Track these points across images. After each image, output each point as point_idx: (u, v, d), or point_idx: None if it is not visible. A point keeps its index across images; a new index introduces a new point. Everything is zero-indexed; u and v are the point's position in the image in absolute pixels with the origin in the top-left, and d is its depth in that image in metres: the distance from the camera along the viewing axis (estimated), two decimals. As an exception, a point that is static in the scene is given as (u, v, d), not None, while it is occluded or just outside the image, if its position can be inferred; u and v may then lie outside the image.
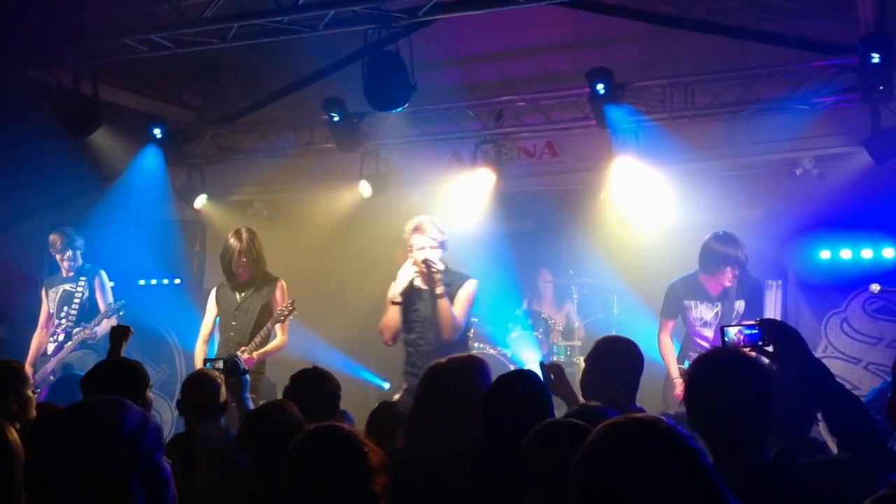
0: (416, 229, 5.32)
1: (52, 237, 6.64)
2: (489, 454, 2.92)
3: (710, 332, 5.69)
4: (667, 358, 5.82)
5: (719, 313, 5.73)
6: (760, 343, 2.72)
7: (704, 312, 5.77)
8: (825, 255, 6.80)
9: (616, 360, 3.70)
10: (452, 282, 5.31)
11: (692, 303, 5.79)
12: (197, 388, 3.97)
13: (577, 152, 7.62)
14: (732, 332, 2.81)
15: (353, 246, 8.15)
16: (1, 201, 7.27)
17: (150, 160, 7.53)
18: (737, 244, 5.65)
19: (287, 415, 3.24)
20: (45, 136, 6.73)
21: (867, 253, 6.69)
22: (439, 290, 5.19)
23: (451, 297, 5.26)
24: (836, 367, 6.84)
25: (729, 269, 5.63)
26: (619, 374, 3.67)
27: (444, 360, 3.36)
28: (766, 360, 2.80)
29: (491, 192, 7.50)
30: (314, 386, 3.77)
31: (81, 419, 1.83)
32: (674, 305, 5.85)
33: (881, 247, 6.64)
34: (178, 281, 8.30)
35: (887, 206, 6.50)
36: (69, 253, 6.59)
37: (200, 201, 8.06)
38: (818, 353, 6.86)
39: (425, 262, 5.22)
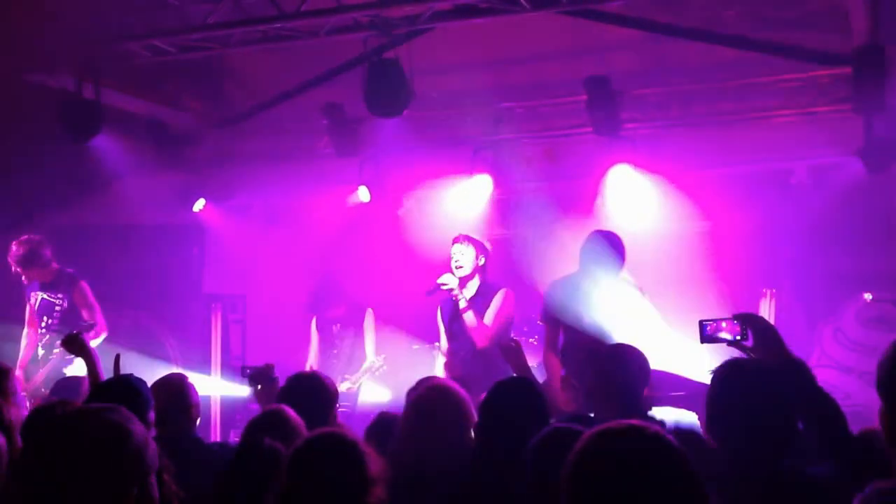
0: (453, 242, 5.62)
1: (12, 250, 6.16)
2: (484, 459, 2.94)
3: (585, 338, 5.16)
4: (554, 372, 5.21)
5: (598, 320, 5.22)
6: (739, 338, 2.70)
7: (581, 317, 5.25)
8: (819, 264, 6.84)
9: (622, 365, 3.74)
10: (484, 294, 5.53)
11: (574, 304, 5.34)
12: (157, 389, 3.87)
13: (574, 159, 7.67)
14: (710, 327, 2.77)
15: (352, 251, 8.17)
16: (1, 204, 7.26)
17: (150, 163, 7.54)
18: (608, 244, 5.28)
19: (287, 422, 3.24)
20: (46, 140, 6.74)
21: (861, 262, 6.74)
22: (461, 305, 5.45)
23: (483, 309, 5.49)
24: (829, 375, 6.89)
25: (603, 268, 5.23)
26: (623, 380, 3.71)
27: (422, 390, 3.40)
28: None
29: (488, 198, 7.54)
30: (310, 391, 3.76)
31: (91, 424, 1.82)
32: (556, 308, 5.34)
33: (874, 256, 6.68)
34: (183, 284, 8.30)
35: (880, 215, 6.55)
36: (33, 267, 6.15)
37: (199, 205, 8.08)
38: (811, 363, 6.90)
39: (439, 284, 5.49)
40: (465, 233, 5.70)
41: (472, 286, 5.58)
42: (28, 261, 6.16)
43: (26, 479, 1.81)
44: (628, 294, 5.22)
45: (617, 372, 3.65)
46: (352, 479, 2.38)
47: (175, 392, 3.90)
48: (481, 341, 5.43)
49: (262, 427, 3.16)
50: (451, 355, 5.64)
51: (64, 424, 1.87)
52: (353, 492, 2.38)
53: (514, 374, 4.19)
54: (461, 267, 5.52)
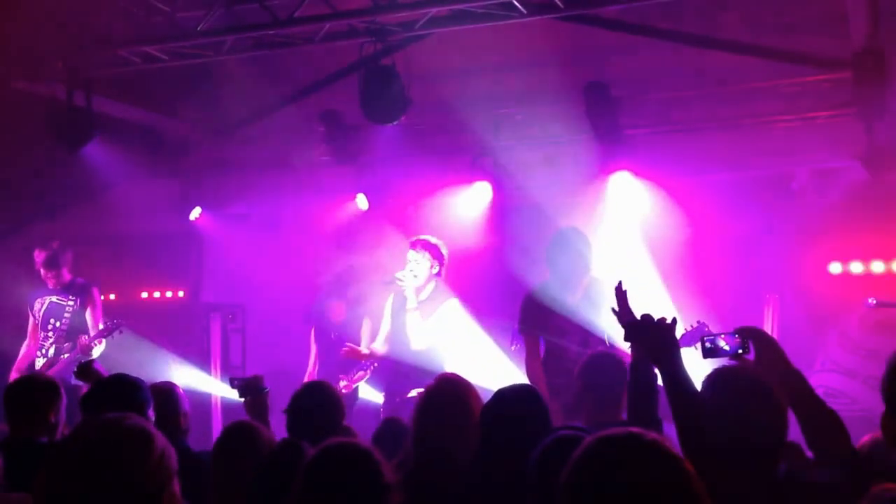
0: (409, 247, 5.75)
1: (37, 254, 6.48)
2: (487, 468, 2.91)
3: (570, 341, 5.10)
4: (538, 381, 5.00)
5: (584, 319, 5.09)
6: (740, 351, 2.69)
7: (563, 321, 5.15)
8: (822, 268, 6.81)
9: (603, 376, 3.75)
10: (435, 299, 5.68)
11: (550, 311, 5.18)
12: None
13: (574, 166, 7.64)
14: (711, 341, 2.75)
15: (351, 259, 8.14)
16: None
17: (145, 172, 7.52)
18: (575, 243, 5.16)
19: (256, 434, 3.20)
20: (38, 148, 6.72)
21: (864, 266, 6.71)
22: (410, 304, 5.64)
23: (432, 312, 5.65)
24: (834, 380, 6.85)
25: (572, 269, 5.16)
26: (606, 389, 3.70)
27: (434, 382, 3.36)
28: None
29: (488, 205, 7.51)
30: (319, 400, 3.74)
31: (115, 435, 1.81)
32: (534, 317, 5.23)
33: (877, 260, 6.66)
34: (181, 293, 8.28)
35: (883, 219, 6.52)
36: (55, 270, 6.44)
37: (196, 213, 8.05)
38: (815, 368, 6.87)
39: (394, 279, 5.69)
40: (422, 238, 5.80)
41: (426, 291, 5.74)
42: (49, 263, 6.44)
43: (53, 491, 1.77)
44: (602, 293, 5.10)
45: (600, 382, 3.66)
46: (367, 489, 2.36)
47: (164, 401, 3.85)
48: (418, 343, 5.62)
49: (231, 440, 3.14)
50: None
51: (89, 432, 1.86)
52: (372, 499, 2.36)
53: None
54: (416, 276, 5.68)
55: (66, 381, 6.03)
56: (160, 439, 1.83)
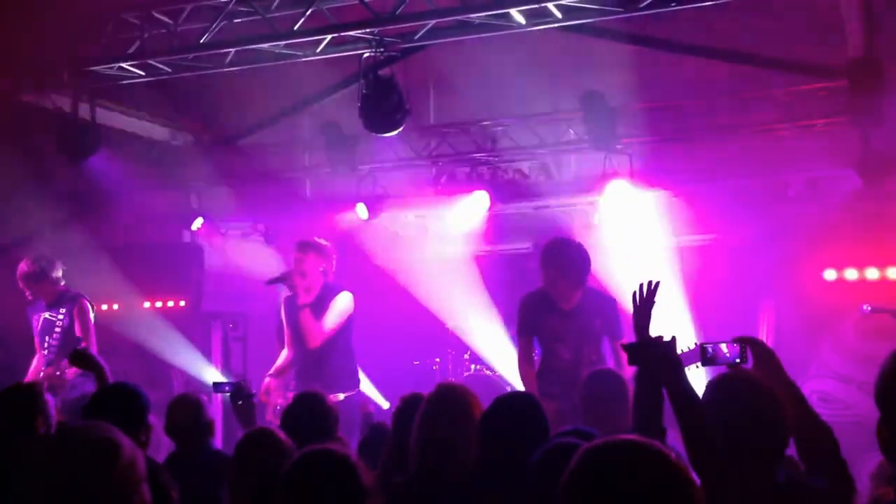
0: (295, 248, 5.83)
1: (22, 267, 6.04)
2: (487, 473, 2.94)
3: (563, 349, 5.11)
4: (530, 384, 5.03)
5: (579, 328, 5.10)
6: (738, 360, 2.72)
7: (558, 328, 5.14)
8: (817, 275, 6.85)
9: (608, 393, 3.80)
10: (326, 297, 5.72)
11: (545, 316, 5.18)
12: (176, 408, 4.11)
13: (571, 174, 7.70)
14: (711, 349, 2.77)
15: (350, 268, 8.17)
16: (-1, 224, 7.26)
17: (148, 183, 7.56)
18: (566, 254, 5.13)
19: (276, 441, 3.25)
20: (43, 160, 6.76)
21: (859, 273, 6.76)
22: (302, 302, 5.66)
23: (323, 309, 5.67)
24: (828, 386, 6.89)
25: (564, 279, 5.10)
26: (616, 405, 3.75)
27: (434, 392, 3.36)
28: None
29: (486, 214, 7.55)
30: (314, 409, 3.81)
31: (83, 442, 1.85)
32: (529, 320, 5.22)
33: (871, 267, 6.70)
34: (182, 303, 8.31)
35: (877, 227, 6.56)
36: (35, 286, 6.07)
37: (197, 224, 8.10)
38: (811, 373, 6.91)
39: (283, 276, 5.78)
40: (308, 238, 5.89)
41: (315, 289, 5.76)
42: (36, 279, 6.11)
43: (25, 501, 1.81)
44: (600, 301, 5.20)
45: (599, 401, 3.70)
46: (345, 494, 2.38)
47: (193, 411, 4.08)
48: (313, 341, 5.63)
49: (251, 446, 3.18)
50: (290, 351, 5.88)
51: (54, 444, 1.90)
52: None
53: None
54: (304, 274, 5.71)
55: (66, 399, 5.99)
56: (127, 448, 1.86)
